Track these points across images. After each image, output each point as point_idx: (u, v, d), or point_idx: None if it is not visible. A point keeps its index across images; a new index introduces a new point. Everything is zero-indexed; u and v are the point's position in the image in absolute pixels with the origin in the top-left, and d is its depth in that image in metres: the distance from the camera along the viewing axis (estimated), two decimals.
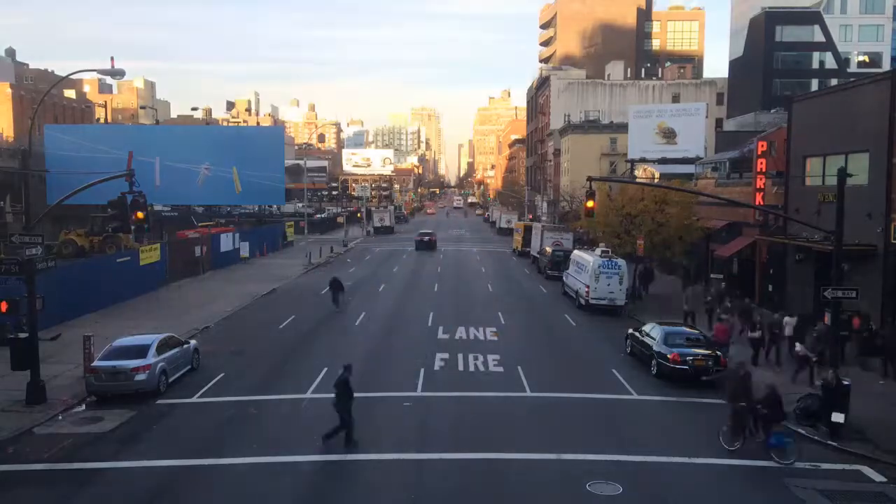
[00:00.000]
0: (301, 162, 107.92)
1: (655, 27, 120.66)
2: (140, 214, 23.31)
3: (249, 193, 66.68)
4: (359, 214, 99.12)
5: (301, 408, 19.68)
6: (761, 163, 33.98)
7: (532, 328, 31.07)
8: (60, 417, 18.77)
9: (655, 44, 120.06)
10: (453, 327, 30.27)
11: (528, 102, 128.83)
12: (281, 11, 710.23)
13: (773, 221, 33.30)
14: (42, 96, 35.78)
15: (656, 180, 52.05)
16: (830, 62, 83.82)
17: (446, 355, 25.33)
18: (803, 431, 17.85)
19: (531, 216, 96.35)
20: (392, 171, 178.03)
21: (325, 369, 23.05)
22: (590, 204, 23.02)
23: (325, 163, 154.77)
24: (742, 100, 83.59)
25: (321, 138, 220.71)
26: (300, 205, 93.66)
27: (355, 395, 17.10)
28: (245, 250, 54.40)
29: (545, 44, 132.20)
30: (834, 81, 69.49)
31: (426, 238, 66.76)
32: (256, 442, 16.95)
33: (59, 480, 14.89)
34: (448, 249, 67.01)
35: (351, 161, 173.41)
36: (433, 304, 36.47)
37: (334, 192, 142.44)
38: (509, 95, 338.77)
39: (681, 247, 36.43)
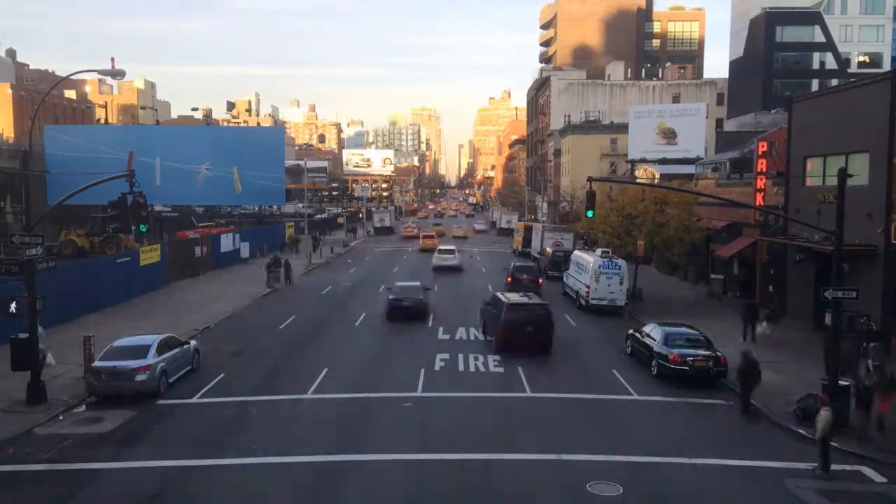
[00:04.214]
0: (301, 162, 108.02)
1: (655, 27, 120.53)
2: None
3: (249, 194, 66.61)
4: (359, 215, 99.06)
5: (301, 408, 19.69)
6: (762, 163, 33.97)
7: None
8: (61, 418, 18.76)
9: (655, 44, 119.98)
10: (454, 327, 30.27)
11: (528, 103, 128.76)
12: (281, 11, 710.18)
13: (773, 222, 33.30)
14: (42, 97, 35.98)
15: (656, 181, 52.05)
16: (831, 62, 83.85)
17: (447, 355, 25.34)
18: (803, 432, 17.84)
19: (531, 216, 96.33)
20: (392, 172, 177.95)
21: (326, 369, 23.10)
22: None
23: (325, 163, 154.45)
24: (742, 100, 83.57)
25: (321, 139, 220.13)
26: (301, 205, 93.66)
27: (356, 395, 17.06)
28: (245, 251, 54.40)
29: (545, 44, 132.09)
30: (834, 82, 69.53)
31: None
32: (257, 442, 16.94)
33: (59, 480, 14.88)
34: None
35: (351, 161, 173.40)
36: (434, 304, 36.44)
37: (335, 193, 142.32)
38: (509, 96, 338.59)
39: (681, 247, 36.41)
